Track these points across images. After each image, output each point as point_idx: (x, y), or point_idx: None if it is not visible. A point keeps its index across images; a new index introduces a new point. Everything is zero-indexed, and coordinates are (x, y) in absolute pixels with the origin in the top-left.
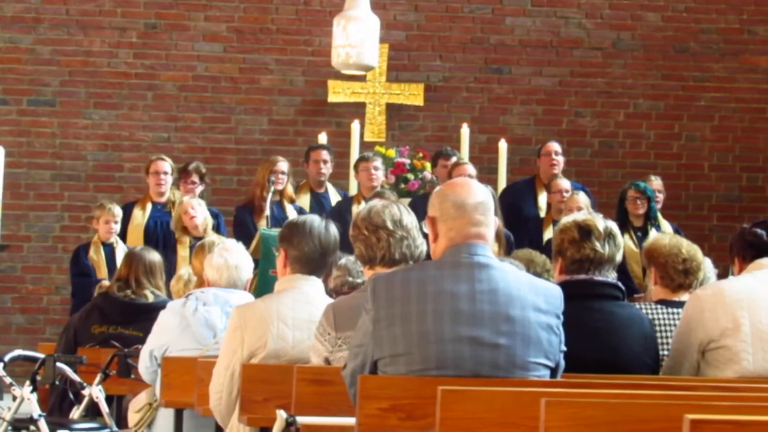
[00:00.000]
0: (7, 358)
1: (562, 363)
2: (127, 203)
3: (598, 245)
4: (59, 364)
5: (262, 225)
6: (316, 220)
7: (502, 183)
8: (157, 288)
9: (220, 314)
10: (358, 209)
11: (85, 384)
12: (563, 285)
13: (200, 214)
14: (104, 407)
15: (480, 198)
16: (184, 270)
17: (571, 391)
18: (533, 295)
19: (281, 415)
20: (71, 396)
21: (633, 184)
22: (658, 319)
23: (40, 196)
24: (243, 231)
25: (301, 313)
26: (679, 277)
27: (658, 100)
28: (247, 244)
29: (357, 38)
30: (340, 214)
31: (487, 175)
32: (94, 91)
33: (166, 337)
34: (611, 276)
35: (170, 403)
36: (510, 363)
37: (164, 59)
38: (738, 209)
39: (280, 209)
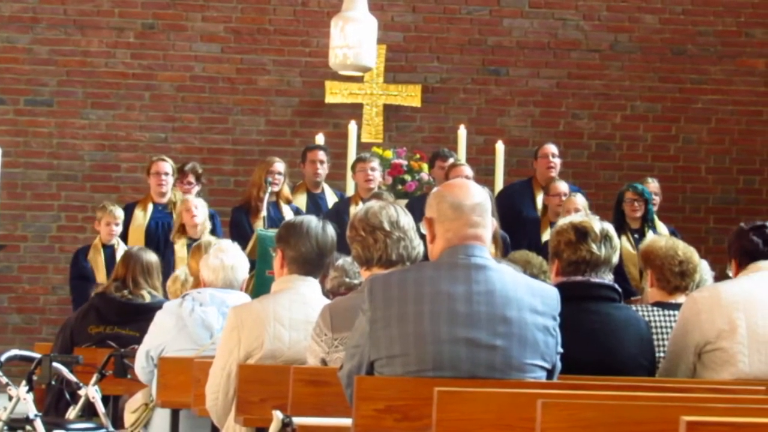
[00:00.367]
0: (3, 357)
1: (559, 364)
2: (128, 204)
3: (594, 247)
4: (55, 364)
5: (259, 226)
6: (313, 221)
7: (499, 184)
8: (153, 288)
9: (216, 314)
10: (355, 210)
11: (81, 384)
12: (560, 287)
13: (201, 214)
14: (100, 407)
15: (477, 199)
16: (180, 270)
17: (568, 393)
18: (530, 296)
19: (277, 415)
20: (67, 396)
21: (630, 186)
22: (655, 321)
23: (36, 196)
24: (239, 232)
25: (297, 314)
26: (675, 279)
27: (655, 102)
28: (244, 245)
29: (354, 39)
30: (338, 214)
31: (484, 176)
32: (92, 91)
33: (163, 337)
34: (608, 278)
35: (166, 404)
36: (506, 364)
37: (162, 59)
38: (735, 211)
39: (276, 210)
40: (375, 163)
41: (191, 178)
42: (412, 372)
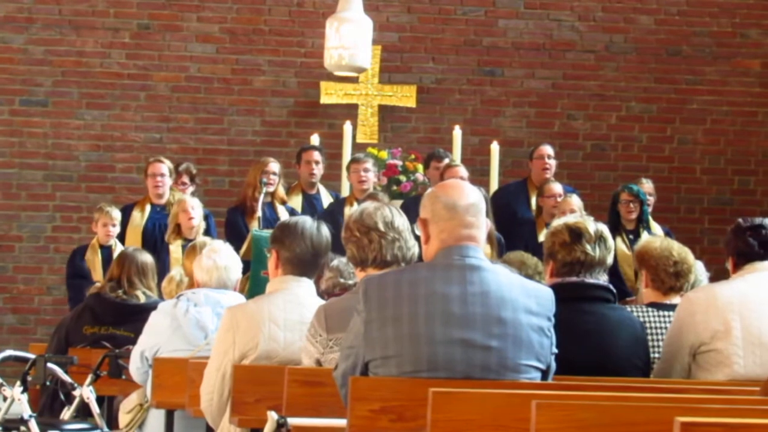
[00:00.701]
0: None
1: (553, 365)
2: (127, 205)
3: (588, 248)
4: (50, 365)
5: (254, 226)
6: (308, 222)
7: (494, 185)
8: (148, 289)
9: (211, 315)
10: (350, 211)
11: (76, 384)
12: (554, 287)
13: (197, 215)
14: (95, 408)
15: (471, 200)
16: (175, 271)
17: (562, 394)
18: (525, 297)
19: (272, 416)
20: (62, 396)
21: (626, 187)
22: (649, 321)
23: (31, 197)
24: (235, 232)
25: (292, 315)
26: (670, 279)
27: (650, 103)
28: (239, 246)
29: (350, 40)
30: (332, 215)
31: (479, 177)
32: (87, 92)
33: (158, 337)
34: (602, 278)
35: (161, 404)
36: (501, 365)
37: (157, 60)
38: (729, 212)
39: (271, 210)
40: (368, 164)
41: (186, 179)
42: (407, 373)
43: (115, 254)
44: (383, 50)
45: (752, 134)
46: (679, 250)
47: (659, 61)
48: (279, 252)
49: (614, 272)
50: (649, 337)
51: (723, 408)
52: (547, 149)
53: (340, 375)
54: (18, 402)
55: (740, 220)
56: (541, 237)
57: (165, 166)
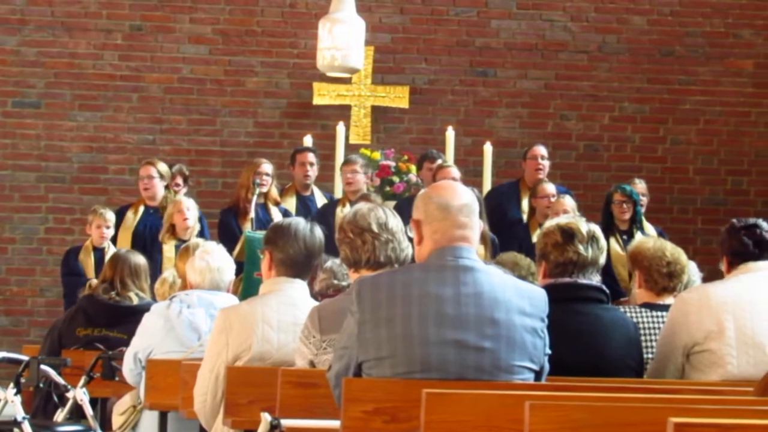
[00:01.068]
0: None
1: (547, 366)
2: (123, 206)
3: (581, 248)
4: (43, 367)
5: (247, 228)
6: (301, 223)
7: (487, 186)
8: (141, 290)
9: (204, 316)
10: (341, 212)
11: (69, 386)
12: (548, 288)
13: (192, 216)
14: (88, 410)
15: (464, 200)
16: (168, 272)
17: (556, 395)
18: (518, 298)
19: (266, 417)
20: (55, 398)
21: (619, 187)
22: (643, 322)
23: (24, 198)
24: (228, 234)
25: (286, 316)
26: (663, 280)
27: (643, 103)
28: (232, 247)
29: (342, 41)
30: (324, 216)
31: (472, 178)
32: (79, 93)
33: (151, 339)
34: (595, 279)
35: (155, 406)
36: (495, 366)
37: (149, 61)
38: (723, 212)
39: (264, 212)
40: (357, 166)
41: (179, 180)
42: (400, 374)
43: (108, 256)
44: (376, 51)
45: (745, 134)
46: (672, 250)
47: (652, 62)
48: (272, 253)
49: (608, 273)
50: (643, 338)
51: (716, 408)
52: (541, 150)
53: (333, 376)
54: (11, 404)
55: (734, 220)
56: (534, 238)
57: (154, 169)
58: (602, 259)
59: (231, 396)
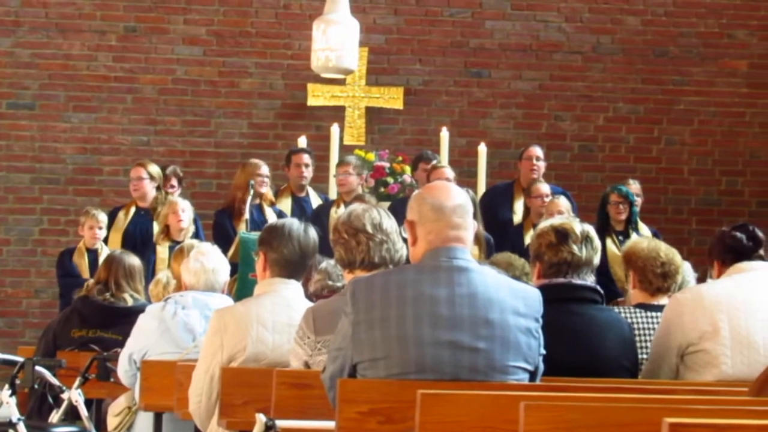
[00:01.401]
0: None
1: (541, 366)
2: (115, 207)
3: (575, 248)
4: (38, 368)
5: (242, 229)
6: (295, 224)
7: (482, 187)
8: (136, 291)
9: (199, 318)
10: (335, 213)
11: (64, 387)
12: (542, 289)
13: (187, 218)
14: (83, 411)
15: (458, 201)
16: (162, 274)
17: (550, 395)
18: (512, 298)
19: (260, 418)
20: (50, 400)
21: (615, 188)
22: (637, 322)
23: (19, 200)
24: (223, 235)
25: (280, 317)
26: (657, 280)
27: (637, 103)
28: (227, 248)
29: (337, 42)
30: (320, 217)
31: (467, 178)
32: (74, 95)
33: (146, 340)
34: (590, 279)
35: (149, 407)
36: (489, 367)
37: (144, 62)
38: (717, 213)
39: (259, 213)
40: (350, 167)
41: (173, 182)
42: (394, 375)
43: (101, 257)
44: (370, 52)
45: (739, 135)
46: (666, 250)
47: (646, 62)
48: (266, 254)
49: (605, 273)
50: (637, 338)
51: (711, 409)
52: (536, 151)
53: (328, 377)
54: (6, 405)
55: (723, 228)
56: (528, 239)
57: (144, 170)
58: (596, 260)
59: (226, 397)
